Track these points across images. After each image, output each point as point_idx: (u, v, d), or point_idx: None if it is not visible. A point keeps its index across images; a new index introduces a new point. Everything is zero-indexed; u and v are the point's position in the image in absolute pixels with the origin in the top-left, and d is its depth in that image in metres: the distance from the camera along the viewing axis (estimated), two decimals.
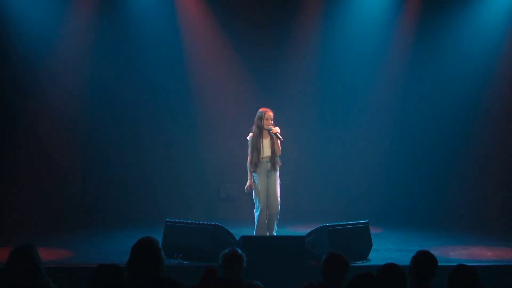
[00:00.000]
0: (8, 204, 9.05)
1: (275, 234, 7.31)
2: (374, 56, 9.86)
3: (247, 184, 7.35)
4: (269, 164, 7.23)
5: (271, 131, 7.16)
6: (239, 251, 4.52)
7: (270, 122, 7.16)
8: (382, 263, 4.12)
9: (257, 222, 7.27)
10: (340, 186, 10.05)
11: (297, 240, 6.48)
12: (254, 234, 7.28)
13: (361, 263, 6.57)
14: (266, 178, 7.26)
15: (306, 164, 9.99)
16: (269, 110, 7.23)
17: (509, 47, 9.57)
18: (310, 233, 6.76)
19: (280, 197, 7.32)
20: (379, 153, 10.09)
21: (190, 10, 9.64)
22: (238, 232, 7.15)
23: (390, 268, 3.92)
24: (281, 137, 7.13)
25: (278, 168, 7.29)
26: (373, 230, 7.05)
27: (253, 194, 7.34)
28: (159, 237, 5.18)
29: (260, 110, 7.25)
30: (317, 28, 9.93)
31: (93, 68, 9.46)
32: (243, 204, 9.62)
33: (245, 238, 6.37)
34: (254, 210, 7.34)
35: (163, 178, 9.87)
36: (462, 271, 3.93)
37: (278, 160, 7.26)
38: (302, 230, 7.26)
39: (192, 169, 9.94)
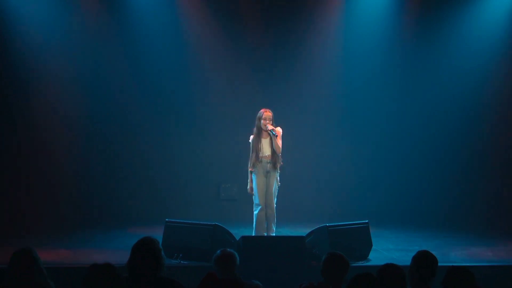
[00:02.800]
0: (7, 204, 9.03)
1: (273, 235, 7.31)
2: (373, 56, 9.84)
3: (249, 185, 7.35)
4: (269, 165, 7.24)
5: (267, 129, 7.15)
6: (229, 250, 4.54)
7: (267, 121, 7.15)
8: (382, 263, 4.12)
9: (256, 220, 7.28)
10: (340, 186, 10.04)
11: (297, 240, 6.49)
12: (253, 233, 7.30)
13: (361, 263, 6.57)
14: (264, 178, 7.26)
15: (306, 164, 9.98)
16: (267, 110, 7.24)
17: (510, 46, 9.57)
18: (310, 233, 6.77)
19: (276, 197, 7.33)
20: (379, 153, 10.09)
21: (193, 7, 9.63)
22: (238, 232, 7.16)
23: (390, 268, 3.92)
24: (275, 133, 7.09)
25: (278, 169, 7.30)
26: (373, 230, 7.04)
27: (253, 193, 7.34)
28: (159, 237, 5.18)
29: (260, 110, 7.27)
30: (317, 29, 9.93)
31: (94, 68, 9.45)
32: (243, 204, 9.60)
33: (245, 238, 6.37)
34: (253, 208, 7.35)
35: (163, 178, 9.88)
36: (456, 273, 3.92)
37: (279, 159, 7.26)
38: (302, 230, 7.26)
39: (192, 169, 9.94)
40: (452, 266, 3.97)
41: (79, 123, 9.56)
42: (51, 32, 9.17)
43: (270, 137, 7.20)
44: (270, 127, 7.12)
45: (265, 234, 7.24)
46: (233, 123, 9.89)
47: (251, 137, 7.33)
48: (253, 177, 7.29)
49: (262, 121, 7.16)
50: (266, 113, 7.17)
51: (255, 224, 7.29)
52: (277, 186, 7.34)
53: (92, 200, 9.54)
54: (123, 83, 9.64)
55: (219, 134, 9.94)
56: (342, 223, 6.97)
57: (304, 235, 6.70)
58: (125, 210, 9.59)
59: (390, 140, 10.02)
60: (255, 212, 7.29)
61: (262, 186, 7.24)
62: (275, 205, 7.30)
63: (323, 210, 9.71)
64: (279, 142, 7.19)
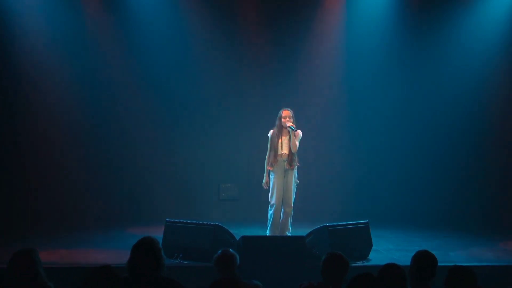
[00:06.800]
0: (8, 204, 9.03)
1: (289, 234, 7.33)
2: (373, 57, 9.83)
3: (264, 180, 7.43)
4: (285, 163, 7.32)
5: (287, 126, 7.24)
6: (231, 250, 4.55)
7: (288, 119, 7.26)
8: (382, 263, 4.12)
9: (271, 220, 7.33)
10: (340, 186, 10.04)
11: (297, 240, 6.50)
12: (268, 232, 7.34)
13: (361, 263, 6.57)
14: (283, 177, 7.35)
15: (306, 165, 9.94)
16: (287, 109, 7.37)
17: (509, 46, 9.57)
18: (310, 233, 6.78)
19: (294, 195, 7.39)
20: (379, 153, 10.07)
21: (195, 7, 9.62)
22: (238, 232, 7.16)
23: (390, 268, 3.92)
24: (294, 127, 7.19)
25: (295, 167, 7.36)
26: (373, 230, 7.04)
27: (269, 192, 7.38)
28: (159, 237, 5.18)
29: (280, 111, 7.39)
30: (318, 30, 9.93)
31: (95, 67, 9.45)
32: (243, 204, 9.61)
33: (245, 238, 6.38)
34: (269, 207, 7.38)
35: (163, 178, 9.86)
36: (458, 272, 3.92)
37: (295, 158, 7.33)
38: (302, 230, 7.26)
39: (192, 169, 9.93)
40: (455, 265, 3.97)
41: (78, 123, 9.55)
42: (51, 31, 9.16)
43: (289, 136, 7.27)
44: (289, 123, 7.21)
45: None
46: (233, 123, 9.89)
47: (271, 131, 7.39)
48: (271, 176, 7.35)
49: (282, 119, 7.28)
50: (286, 112, 7.32)
51: (270, 224, 7.35)
52: (296, 184, 7.41)
53: (92, 200, 9.52)
54: (122, 84, 9.62)
55: (219, 134, 9.92)
56: (342, 223, 6.97)
57: (304, 235, 6.70)
58: (125, 210, 9.58)
59: (390, 140, 10.01)
60: (270, 212, 7.36)
61: (280, 185, 7.34)
62: (293, 202, 7.36)
63: (323, 210, 9.69)
64: (296, 142, 7.28)
